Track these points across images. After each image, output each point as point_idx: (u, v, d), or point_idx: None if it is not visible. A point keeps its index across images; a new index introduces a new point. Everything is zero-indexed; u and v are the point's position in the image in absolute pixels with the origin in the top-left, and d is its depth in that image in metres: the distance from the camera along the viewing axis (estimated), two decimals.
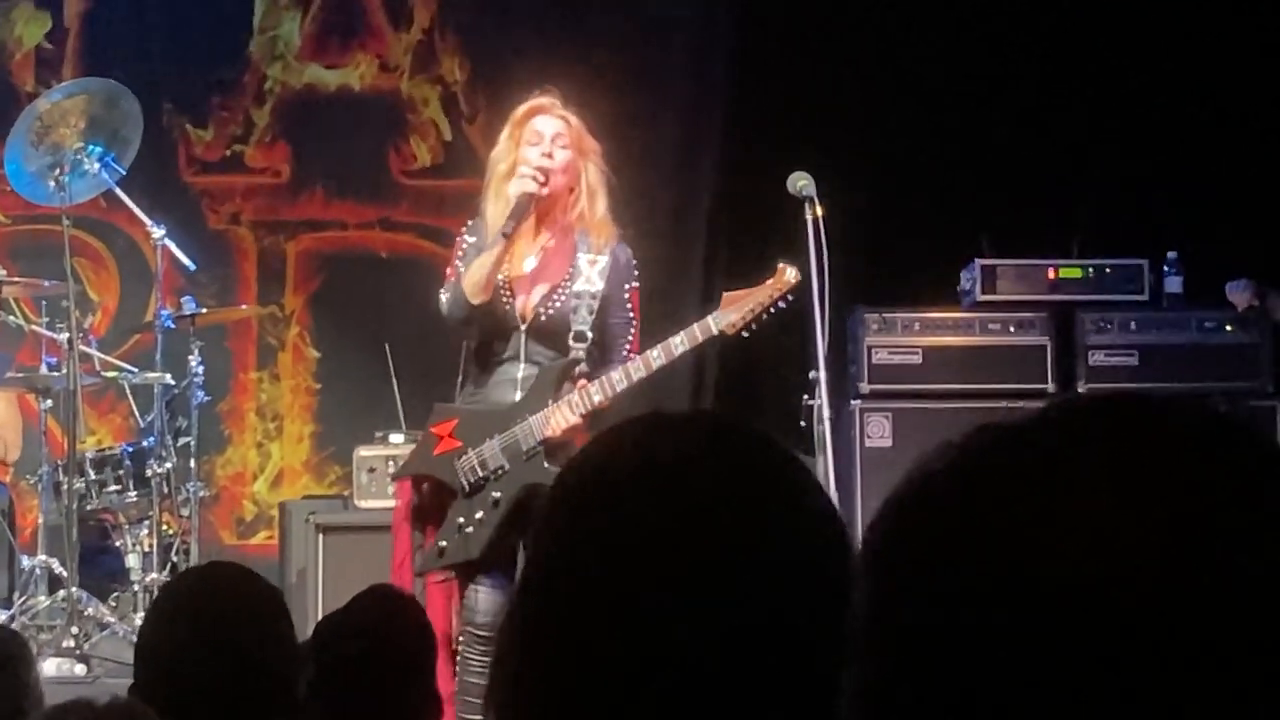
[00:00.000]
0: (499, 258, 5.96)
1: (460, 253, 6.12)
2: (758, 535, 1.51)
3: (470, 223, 6.21)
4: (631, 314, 6.17)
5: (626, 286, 6.16)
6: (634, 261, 6.19)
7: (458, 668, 5.94)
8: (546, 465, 5.95)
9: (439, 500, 6.16)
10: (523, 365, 6.08)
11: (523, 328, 6.05)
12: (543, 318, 6.06)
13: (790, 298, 6.05)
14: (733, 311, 6.02)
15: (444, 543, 6.04)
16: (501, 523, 5.98)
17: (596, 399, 5.93)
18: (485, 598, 5.97)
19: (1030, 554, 1.04)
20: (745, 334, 6.04)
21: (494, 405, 6.09)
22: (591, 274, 6.08)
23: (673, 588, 1.48)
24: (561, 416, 5.93)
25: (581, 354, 6.06)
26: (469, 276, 5.96)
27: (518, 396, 6.05)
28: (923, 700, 1.07)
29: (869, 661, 1.11)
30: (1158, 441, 1.08)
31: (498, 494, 6.00)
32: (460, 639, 5.98)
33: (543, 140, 6.03)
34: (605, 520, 1.53)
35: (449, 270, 6.14)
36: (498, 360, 6.11)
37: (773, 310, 6.02)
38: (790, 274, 6.08)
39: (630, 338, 6.14)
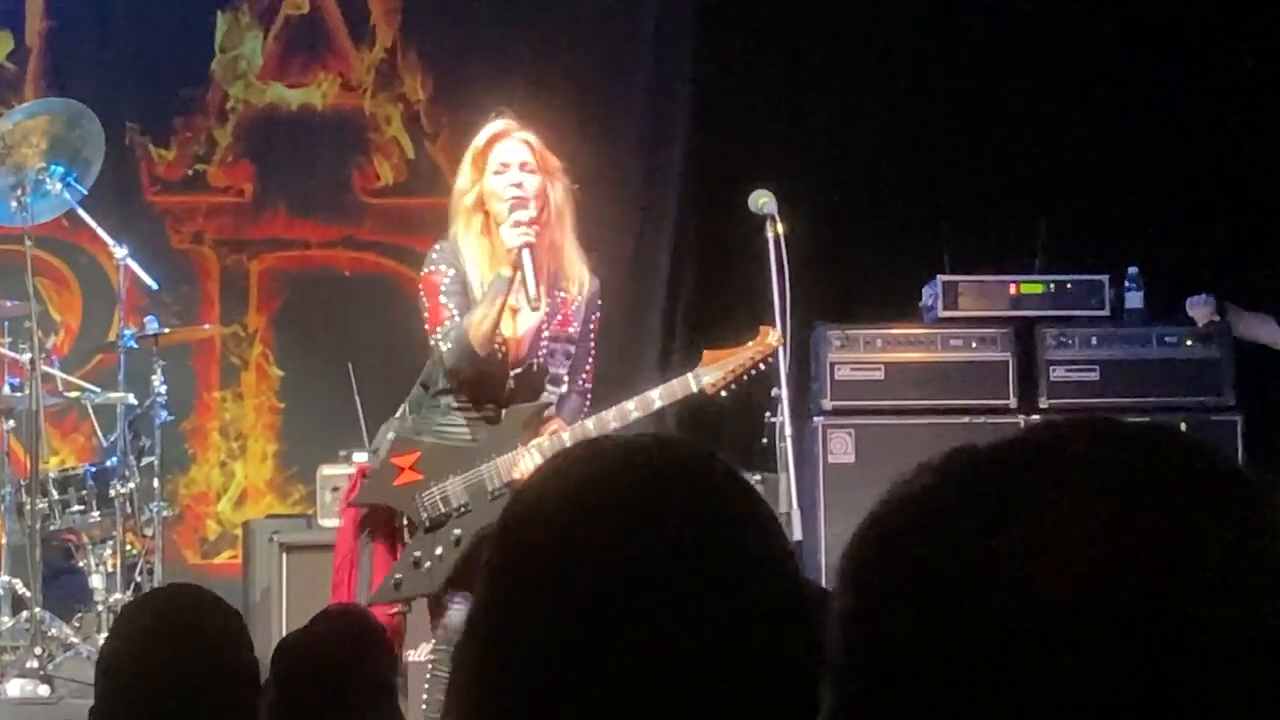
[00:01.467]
0: (502, 309, 5.88)
1: (443, 288, 5.95)
2: (701, 557, 1.52)
3: (439, 247, 6.06)
4: (592, 345, 6.16)
5: (592, 319, 6.15)
6: (598, 291, 6.17)
7: (427, 686, 5.92)
8: None
9: (387, 528, 6.13)
10: (503, 405, 6.04)
11: (511, 374, 6.01)
12: (534, 367, 6.03)
13: (771, 360, 6.05)
14: (714, 370, 6.00)
15: (399, 575, 6.01)
16: (461, 561, 5.96)
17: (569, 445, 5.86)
18: (459, 618, 5.94)
19: (1008, 576, 1.06)
20: (724, 394, 6.04)
21: (459, 441, 6.04)
22: (569, 314, 6.06)
23: (621, 610, 1.49)
24: (531, 461, 5.89)
25: (554, 398, 6.04)
26: (475, 328, 5.83)
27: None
28: (903, 716, 1.08)
29: (847, 681, 1.12)
30: (1131, 466, 1.10)
31: (459, 531, 5.97)
32: (433, 658, 5.97)
33: (509, 169, 5.99)
34: (552, 547, 1.54)
35: (437, 308, 5.94)
36: (481, 404, 6.03)
37: (754, 372, 6.03)
38: (773, 336, 6.06)
39: (588, 368, 6.14)
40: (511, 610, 1.56)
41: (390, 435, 6.16)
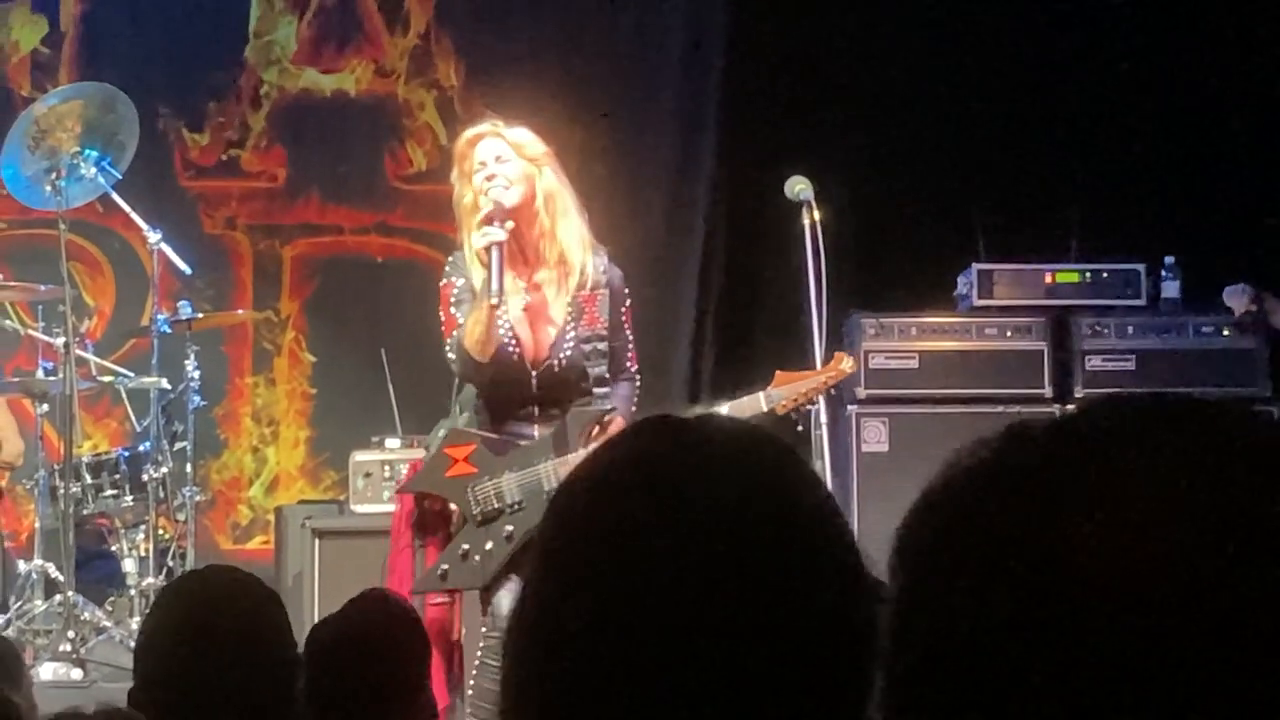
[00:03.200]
0: (490, 316, 5.88)
1: (451, 297, 5.96)
2: (758, 537, 1.50)
3: (452, 258, 6.05)
4: (629, 334, 6.14)
5: (623, 308, 6.13)
6: (624, 280, 6.14)
7: (474, 673, 5.92)
8: None
9: (441, 518, 6.13)
10: (537, 409, 6.04)
11: (534, 374, 6.00)
12: (556, 367, 6.00)
13: (840, 385, 6.07)
14: (785, 392, 6.00)
15: (446, 566, 6.00)
16: (512, 559, 5.95)
17: None
18: (506, 602, 5.93)
19: (1074, 557, 1.04)
20: (793, 415, 6.03)
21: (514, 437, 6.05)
22: (594, 312, 6.03)
23: (676, 592, 1.47)
24: None
25: (609, 402, 6.03)
26: (469, 335, 5.85)
27: (535, 438, 6.01)
28: (957, 694, 1.07)
29: (901, 660, 1.11)
30: (1194, 443, 1.08)
31: (511, 528, 5.96)
32: (482, 646, 5.94)
33: (486, 166, 5.95)
34: (606, 526, 1.53)
35: (449, 320, 5.94)
36: (510, 406, 6.03)
37: (822, 396, 6.04)
38: (846, 364, 6.06)
39: (630, 355, 6.11)
40: (561, 592, 1.54)
41: (442, 432, 6.16)
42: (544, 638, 1.54)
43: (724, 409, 5.95)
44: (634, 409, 6.09)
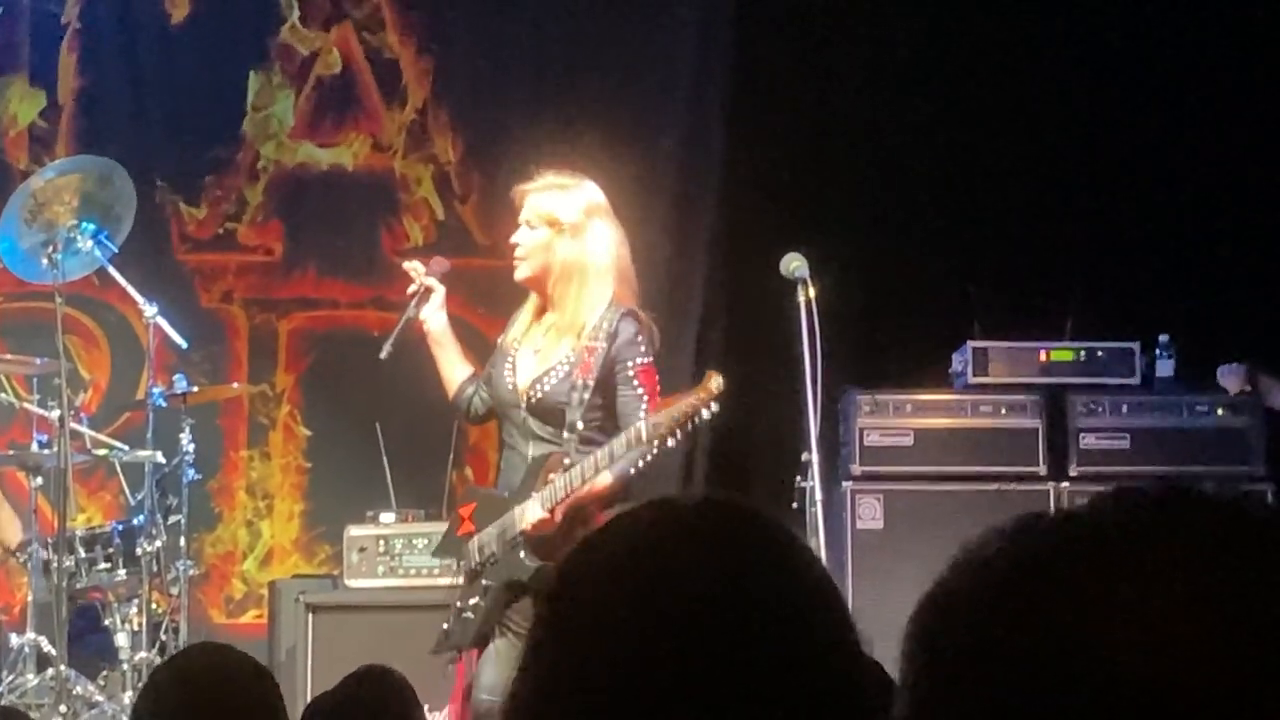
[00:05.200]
0: (437, 360, 6.35)
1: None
2: (756, 619, 1.50)
3: None
4: (642, 390, 6.10)
5: (631, 364, 6.10)
6: (640, 336, 6.13)
7: None
8: (523, 556, 5.96)
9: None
10: (531, 443, 6.11)
11: (522, 406, 6.10)
12: (534, 399, 6.09)
13: (715, 407, 5.95)
14: (660, 419, 5.94)
15: (447, 625, 6.08)
16: (487, 613, 5.99)
17: (560, 494, 5.93)
18: (487, 674, 5.96)
19: (1089, 653, 1.04)
20: (672, 441, 5.95)
21: (507, 488, 6.18)
22: (589, 361, 6.06)
23: (673, 676, 1.47)
24: (532, 511, 5.95)
25: (571, 448, 6.05)
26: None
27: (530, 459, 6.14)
28: None
29: None
30: (1213, 536, 1.08)
31: (487, 581, 6.02)
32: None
33: (519, 228, 6.20)
34: (601, 612, 1.52)
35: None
36: (509, 439, 6.22)
37: (698, 418, 5.93)
38: (715, 382, 5.98)
39: (643, 414, 6.06)
40: (558, 677, 1.53)
41: None
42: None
43: (617, 442, 5.90)
44: (632, 472, 6.05)
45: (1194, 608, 1.04)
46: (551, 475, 6.00)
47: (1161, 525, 1.09)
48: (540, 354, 6.15)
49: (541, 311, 6.23)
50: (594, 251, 6.16)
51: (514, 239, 6.18)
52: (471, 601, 6.02)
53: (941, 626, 1.13)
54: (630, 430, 5.96)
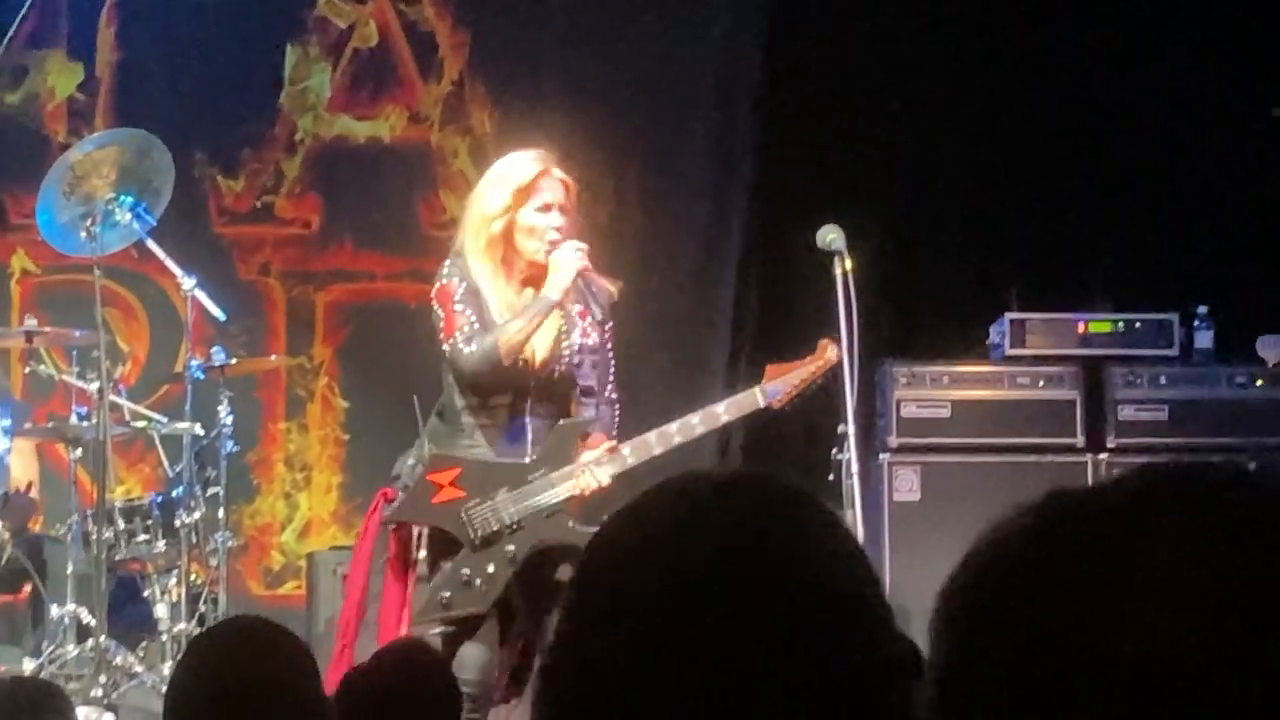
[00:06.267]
0: (538, 328, 5.98)
1: (457, 297, 6.08)
2: (788, 594, 1.50)
3: (450, 262, 6.18)
4: (610, 354, 6.23)
5: (607, 327, 6.20)
6: (610, 301, 6.21)
7: None
8: (572, 524, 5.95)
9: (404, 556, 6.18)
10: (529, 419, 6.09)
11: (533, 381, 6.07)
12: (555, 375, 6.08)
13: (830, 374, 6.10)
14: (778, 385, 6.03)
15: (448, 593, 6.00)
16: (515, 578, 5.97)
17: (630, 462, 5.95)
18: (472, 654, 5.95)
19: (1116, 626, 1.04)
20: (787, 408, 6.07)
21: (500, 455, 6.09)
22: (585, 325, 6.12)
23: (708, 651, 1.47)
24: (592, 478, 5.95)
25: (592, 411, 6.09)
26: (508, 338, 5.94)
27: (529, 448, 6.06)
28: None
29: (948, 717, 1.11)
30: (1238, 512, 1.08)
31: (512, 548, 5.98)
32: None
33: (551, 210, 6.09)
34: (635, 586, 1.52)
35: (452, 315, 6.08)
36: (502, 412, 6.10)
37: (815, 385, 6.07)
38: (832, 351, 6.11)
39: (611, 378, 6.23)
40: (593, 654, 1.53)
41: (411, 461, 6.21)
42: (575, 699, 1.54)
43: (719, 408, 6.00)
44: (615, 432, 6.18)
45: (1218, 586, 1.04)
46: (610, 443, 6.01)
47: (1188, 503, 1.10)
48: (544, 328, 6.11)
49: (528, 284, 6.14)
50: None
51: (556, 220, 6.10)
52: (489, 569, 5.98)
53: (965, 602, 1.13)
54: (741, 396, 6.02)
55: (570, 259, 5.99)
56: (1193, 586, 1.05)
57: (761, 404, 6.06)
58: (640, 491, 1.64)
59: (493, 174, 6.24)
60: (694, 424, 6.01)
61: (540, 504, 5.99)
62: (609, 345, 6.24)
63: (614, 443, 6.05)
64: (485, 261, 6.07)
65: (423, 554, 6.14)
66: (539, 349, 6.08)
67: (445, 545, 6.11)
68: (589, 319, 6.13)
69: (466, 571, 5.99)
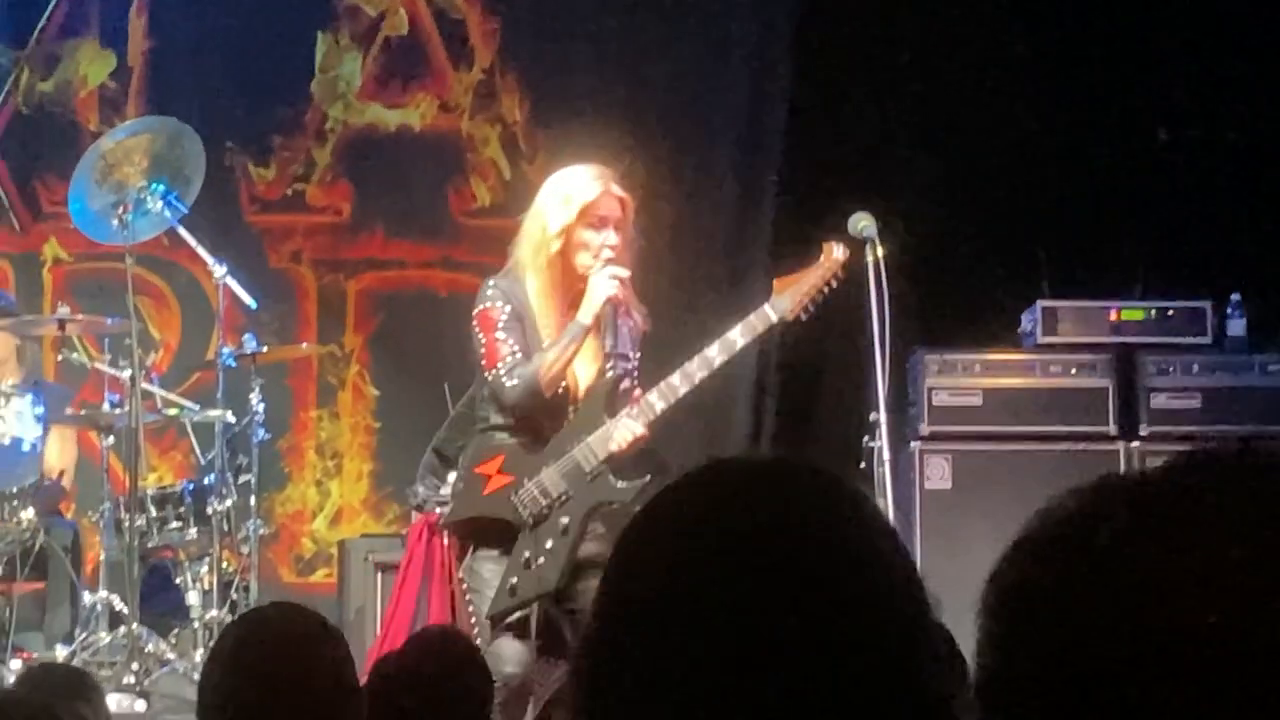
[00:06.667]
0: (575, 354, 5.97)
1: (500, 324, 6.02)
2: (824, 578, 1.49)
3: (493, 283, 6.11)
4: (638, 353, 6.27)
5: (634, 356, 6.28)
6: (643, 331, 6.26)
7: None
8: (615, 481, 5.94)
9: (445, 561, 6.20)
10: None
11: (571, 409, 6.07)
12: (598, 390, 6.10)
13: (841, 276, 6.02)
14: (787, 297, 6.00)
15: (514, 580, 5.99)
16: (574, 547, 5.96)
17: (659, 407, 5.94)
18: (510, 647, 5.94)
19: (1165, 607, 1.04)
20: (803, 316, 6.02)
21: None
22: (622, 337, 6.13)
23: (744, 634, 1.46)
24: (626, 430, 5.94)
25: (621, 370, 6.08)
26: (547, 369, 5.90)
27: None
28: None
29: (991, 705, 1.11)
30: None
31: (565, 520, 5.97)
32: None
33: (607, 227, 6.03)
34: (671, 571, 1.52)
35: (494, 344, 6.00)
36: (541, 435, 6.08)
37: (826, 291, 6.01)
38: (838, 251, 6.07)
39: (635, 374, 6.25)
40: (629, 638, 1.53)
41: (420, 489, 6.28)
42: (612, 683, 1.54)
43: (734, 334, 5.97)
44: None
45: (1261, 565, 1.04)
46: (636, 391, 6.02)
47: (1236, 486, 1.09)
48: (586, 355, 6.09)
49: (574, 306, 6.07)
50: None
51: (612, 239, 6.04)
52: (547, 546, 5.97)
53: (1012, 584, 1.13)
54: (751, 317, 5.99)
55: (603, 285, 5.95)
56: (1249, 567, 1.05)
57: (774, 319, 6.00)
58: (670, 484, 1.63)
59: (553, 190, 6.13)
60: (712, 355, 5.98)
61: (582, 469, 5.97)
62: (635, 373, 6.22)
63: (639, 392, 6.06)
64: (541, 279, 6.04)
65: (466, 560, 6.15)
66: (582, 379, 6.07)
67: (486, 538, 6.10)
68: (624, 332, 6.12)
69: (527, 554, 5.98)
